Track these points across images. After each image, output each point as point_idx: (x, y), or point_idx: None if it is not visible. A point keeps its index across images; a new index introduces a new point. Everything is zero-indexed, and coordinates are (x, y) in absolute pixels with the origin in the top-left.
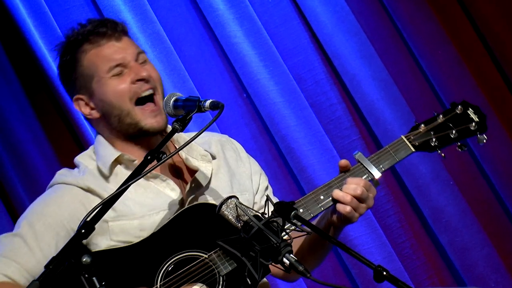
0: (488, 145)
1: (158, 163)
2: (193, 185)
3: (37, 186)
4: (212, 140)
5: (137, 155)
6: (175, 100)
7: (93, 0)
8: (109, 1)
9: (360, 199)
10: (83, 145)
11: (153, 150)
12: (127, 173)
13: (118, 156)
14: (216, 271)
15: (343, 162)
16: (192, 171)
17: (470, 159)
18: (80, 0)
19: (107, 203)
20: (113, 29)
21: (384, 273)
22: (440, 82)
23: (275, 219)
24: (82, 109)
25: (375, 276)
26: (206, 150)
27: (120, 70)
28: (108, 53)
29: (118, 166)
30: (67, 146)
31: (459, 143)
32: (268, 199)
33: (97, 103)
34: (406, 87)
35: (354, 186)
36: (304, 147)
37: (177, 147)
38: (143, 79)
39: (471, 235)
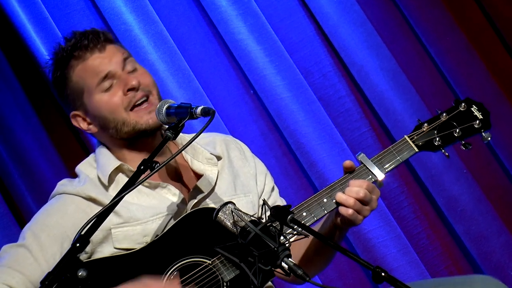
0: (501, 130)
1: (152, 173)
2: (196, 189)
3: (45, 194)
4: (216, 140)
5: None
6: (168, 108)
7: (94, 3)
8: (110, 3)
9: (363, 201)
10: (89, 151)
11: (146, 160)
12: None
13: (118, 165)
14: (220, 277)
15: (348, 163)
16: (197, 174)
17: (483, 145)
18: (81, 4)
19: (101, 216)
20: (95, 40)
21: (383, 274)
22: (450, 68)
23: (272, 223)
24: (80, 124)
25: (373, 277)
26: (211, 153)
27: (110, 83)
28: (94, 66)
29: (120, 174)
30: (74, 152)
31: (463, 142)
32: (264, 203)
33: (92, 118)
34: (415, 75)
35: (356, 188)
36: (314, 142)
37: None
38: (133, 88)
39: (487, 223)
